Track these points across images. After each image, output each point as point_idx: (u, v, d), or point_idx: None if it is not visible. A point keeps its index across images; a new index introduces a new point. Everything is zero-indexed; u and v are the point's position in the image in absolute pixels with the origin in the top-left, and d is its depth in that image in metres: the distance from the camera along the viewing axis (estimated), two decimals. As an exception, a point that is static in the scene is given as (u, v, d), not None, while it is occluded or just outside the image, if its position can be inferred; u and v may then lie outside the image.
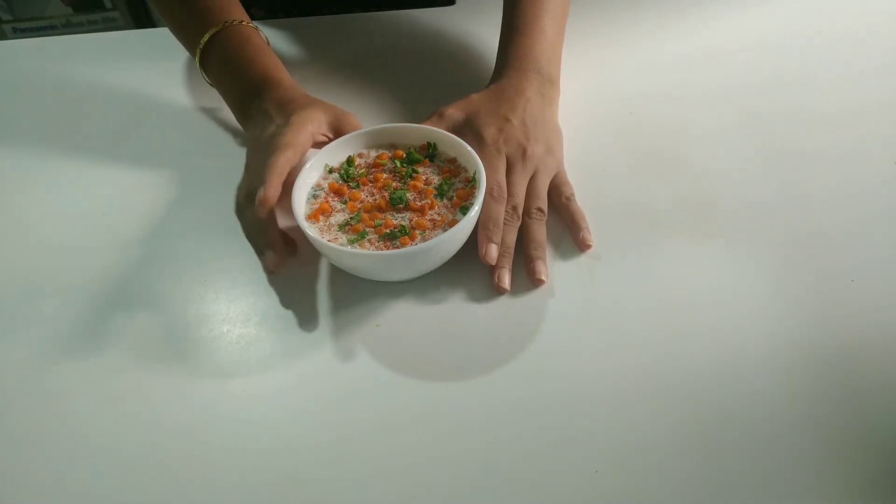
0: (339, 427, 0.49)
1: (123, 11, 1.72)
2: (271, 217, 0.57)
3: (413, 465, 0.47)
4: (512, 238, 0.58)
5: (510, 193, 0.59)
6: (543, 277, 0.56)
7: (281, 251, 0.56)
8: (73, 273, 0.59)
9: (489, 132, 0.62)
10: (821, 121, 0.69)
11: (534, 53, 0.67)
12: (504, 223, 0.58)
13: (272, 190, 0.54)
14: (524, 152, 0.61)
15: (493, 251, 0.55)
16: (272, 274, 0.58)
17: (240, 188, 0.63)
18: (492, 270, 0.56)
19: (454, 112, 0.64)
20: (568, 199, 0.61)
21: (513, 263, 0.57)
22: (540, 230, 0.59)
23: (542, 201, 0.60)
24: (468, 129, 0.63)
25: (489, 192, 0.57)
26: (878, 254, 0.57)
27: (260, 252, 0.58)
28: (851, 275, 0.55)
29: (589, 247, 0.59)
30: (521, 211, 0.59)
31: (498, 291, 0.56)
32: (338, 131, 0.62)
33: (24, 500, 0.46)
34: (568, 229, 0.60)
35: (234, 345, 0.54)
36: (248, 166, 0.63)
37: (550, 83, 0.67)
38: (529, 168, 0.61)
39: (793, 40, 0.80)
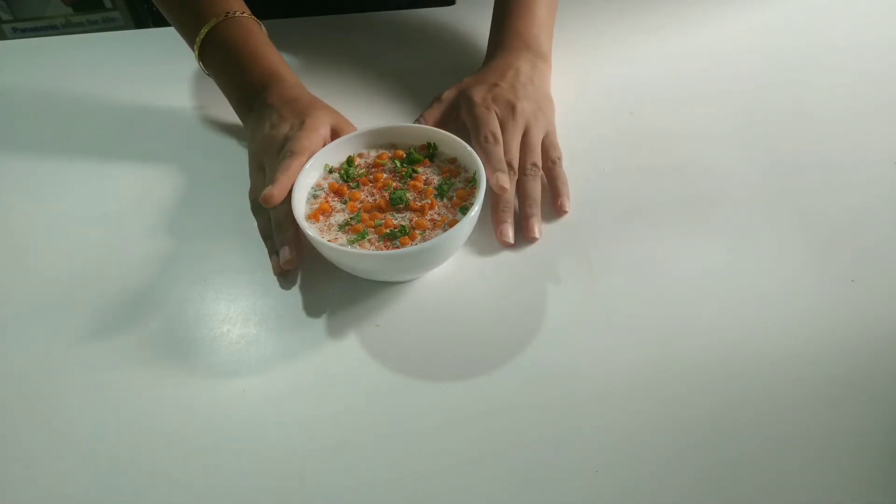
0: (338, 427, 0.49)
1: (123, 11, 1.72)
2: (290, 216, 0.56)
3: (413, 464, 0.47)
4: (511, 192, 0.59)
5: (505, 150, 0.61)
6: (537, 234, 0.58)
7: (296, 249, 0.56)
8: (72, 273, 0.59)
9: (478, 95, 0.64)
10: (821, 120, 0.69)
11: (523, 33, 0.69)
12: None
13: (278, 189, 0.55)
14: (513, 109, 0.63)
15: (507, 231, 0.58)
16: (282, 274, 0.57)
17: (253, 188, 0.62)
18: (495, 226, 0.58)
19: (449, 94, 0.67)
20: (554, 162, 0.63)
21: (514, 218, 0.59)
22: (535, 187, 0.60)
23: (537, 156, 0.62)
24: (462, 100, 0.65)
25: (484, 140, 0.60)
26: (879, 254, 0.57)
27: (273, 252, 0.58)
28: (851, 274, 0.55)
29: (565, 212, 0.60)
30: (517, 166, 0.61)
31: (502, 245, 0.57)
32: (336, 137, 0.62)
33: (24, 500, 0.46)
34: (550, 192, 0.62)
35: (234, 345, 0.54)
36: (258, 164, 0.62)
37: (541, 58, 0.69)
38: (520, 122, 0.63)
39: (793, 39, 0.80)
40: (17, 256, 0.61)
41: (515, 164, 0.61)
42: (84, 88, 0.78)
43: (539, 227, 0.58)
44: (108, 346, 0.54)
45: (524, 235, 0.58)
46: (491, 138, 0.60)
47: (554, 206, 0.61)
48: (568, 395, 0.49)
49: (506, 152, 0.61)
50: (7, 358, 0.54)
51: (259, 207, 0.60)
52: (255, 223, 0.61)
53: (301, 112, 0.61)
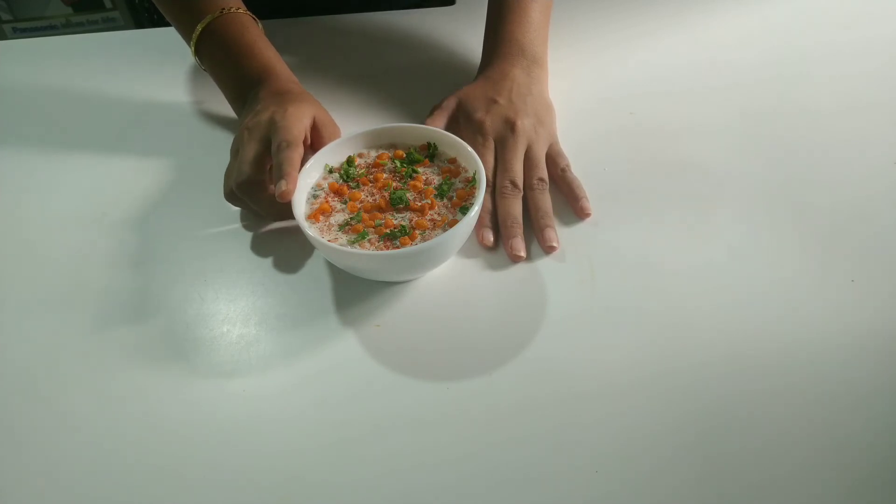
0: (339, 427, 0.49)
1: (123, 11, 1.72)
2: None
3: (413, 465, 0.47)
4: (517, 209, 0.60)
5: (507, 168, 0.61)
6: (555, 244, 0.58)
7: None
8: (72, 273, 0.59)
9: (477, 115, 0.64)
10: (821, 118, 0.69)
11: (518, 38, 0.69)
12: (505, 196, 0.60)
13: (292, 183, 0.55)
14: (513, 127, 0.63)
15: (518, 245, 0.57)
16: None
17: (230, 173, 0.61)
18: (504, 242, 0.58)
19: (449, 102, 0.67)
20: (563, 170, 0.63)
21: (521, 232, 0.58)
22: (544, 199, 0.60)
23: (542, 171, 0.62)
24: (461, 114, 0.66)
25: None
26: (879, 253, 0.57)
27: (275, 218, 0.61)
28: (851, 274, 0.55)
29: (588, 215, 0.60)
30: (521, 184, 0.61)
31: (513, 260, 0.57)
32: (316, 131, 0.62)
33: (24, 500, 0.46)
34: (566, 199, 0.62)
35: (234, 345, 0.54)
36: (235, 150, 0.61)
37: (536, 63, 0.69)
38: (521, 141, 0.63)
39: (792, 36, 0.80)
40: (18, 256, 0.61)
41: (519, 181, 0.61)
42: (84, 88, 0.78)
43: (556, 237, 0.58)
44: (108, 345, 0.54)
45: (542, 246, 0.58)
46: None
47: (575, 211, 0.61)
48: (568, 394, 0.49)
49: (508, 170, 0.61)
50: (7, 357, 0.54)
51: (234, 196, 0.60)
52: (254, 220, 0.61)
53: (285, 102, 0.61)
